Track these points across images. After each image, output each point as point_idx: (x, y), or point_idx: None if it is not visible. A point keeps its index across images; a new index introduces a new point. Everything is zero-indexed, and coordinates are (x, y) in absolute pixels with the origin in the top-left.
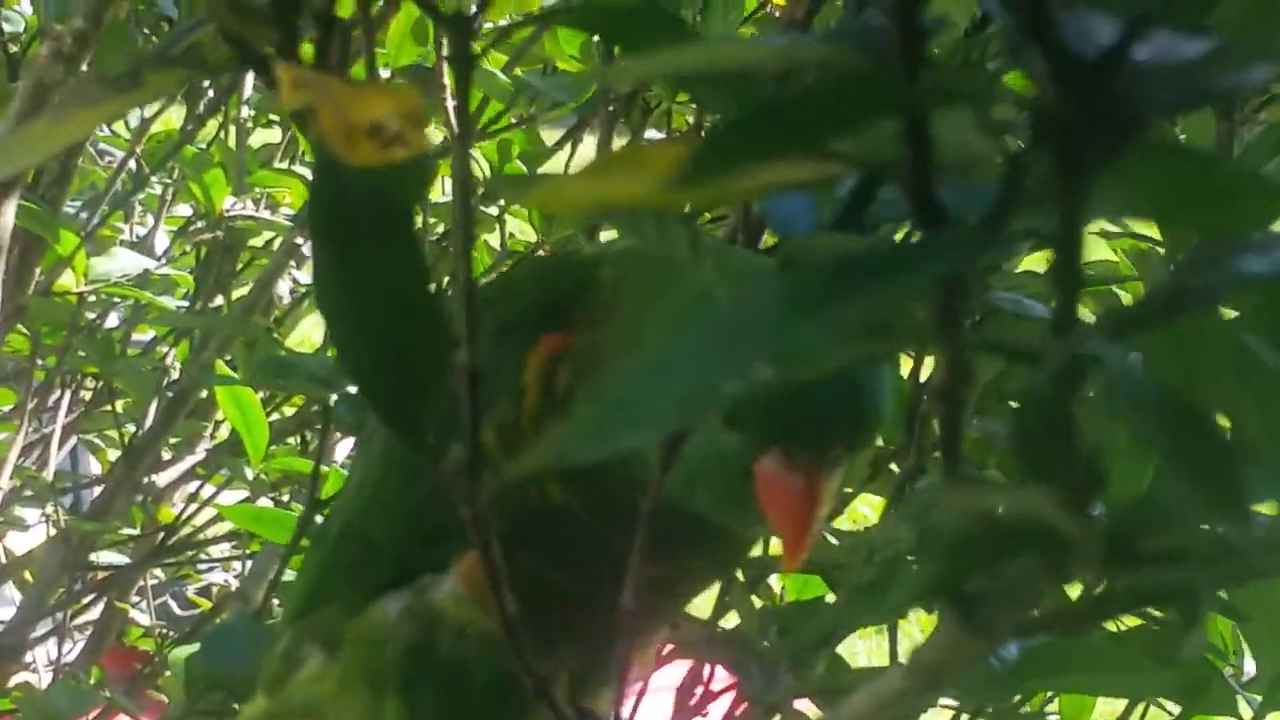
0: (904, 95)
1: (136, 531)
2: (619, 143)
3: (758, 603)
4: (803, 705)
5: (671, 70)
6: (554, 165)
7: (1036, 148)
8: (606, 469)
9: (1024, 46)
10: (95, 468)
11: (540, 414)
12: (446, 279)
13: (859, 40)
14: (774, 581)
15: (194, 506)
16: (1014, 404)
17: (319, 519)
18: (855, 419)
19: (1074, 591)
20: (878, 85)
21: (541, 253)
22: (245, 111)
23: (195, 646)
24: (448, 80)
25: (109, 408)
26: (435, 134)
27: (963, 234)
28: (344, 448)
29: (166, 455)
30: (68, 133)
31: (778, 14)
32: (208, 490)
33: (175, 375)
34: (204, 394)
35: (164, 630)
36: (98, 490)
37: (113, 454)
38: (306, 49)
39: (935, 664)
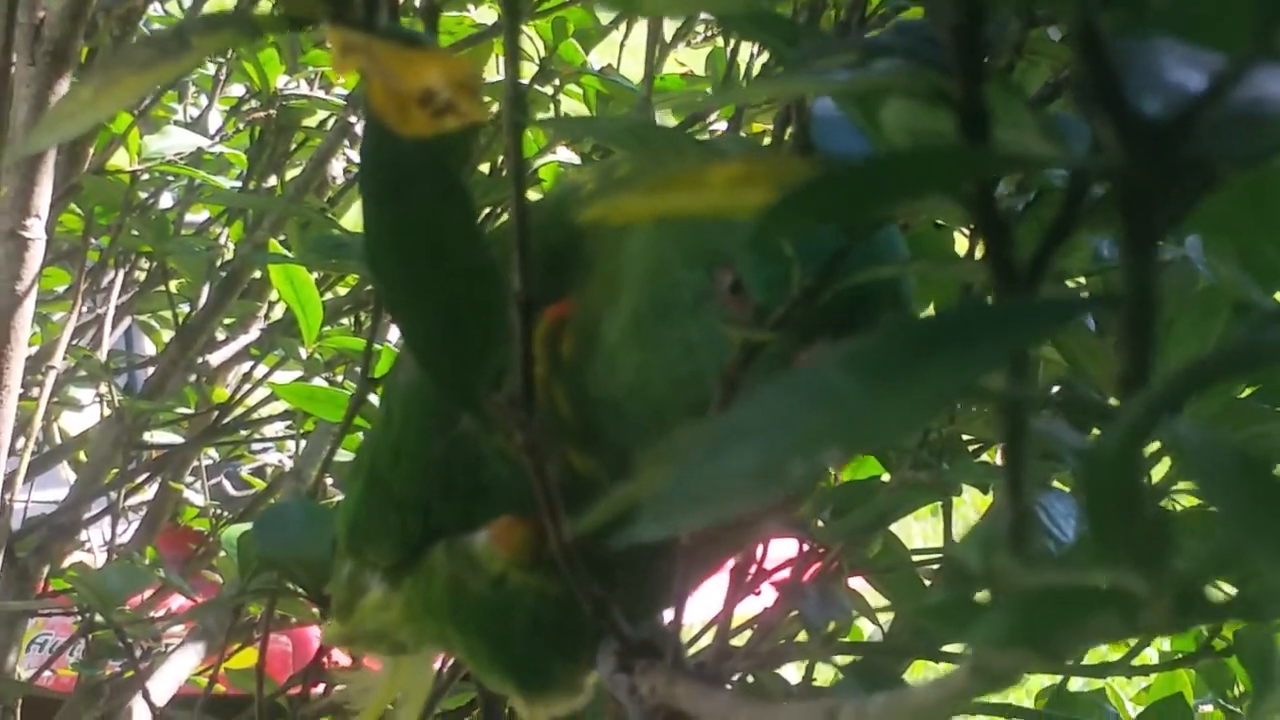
0: (972, 165)
1: (190, 411)
2: (670, 25)
3: None
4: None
5: (786, 95)
6: (609, 44)
7: (1107, 205)
8: (626, 433)
9: (1092, 106)
10: (149, 348)
11: (549, 381)
12: (501, 158)
13: (922, 54)
14: None
15: (248, 386)
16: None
17: (372, 398)
18: (892, 303)
19: None
20: (949, 155)
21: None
22: None
23: (249, 526)
24: None
25: (163, 288)
26: (489, 14)
27: (1041, 303)
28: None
29: (220, 335)
30: (116, 98)
31: None
32: (261, 370)
33: (229, 255)
34: (257, 274)
35: (218, 510)
36: (151, 370)
37: (167, 334)
38: None
39: (1001, 669)
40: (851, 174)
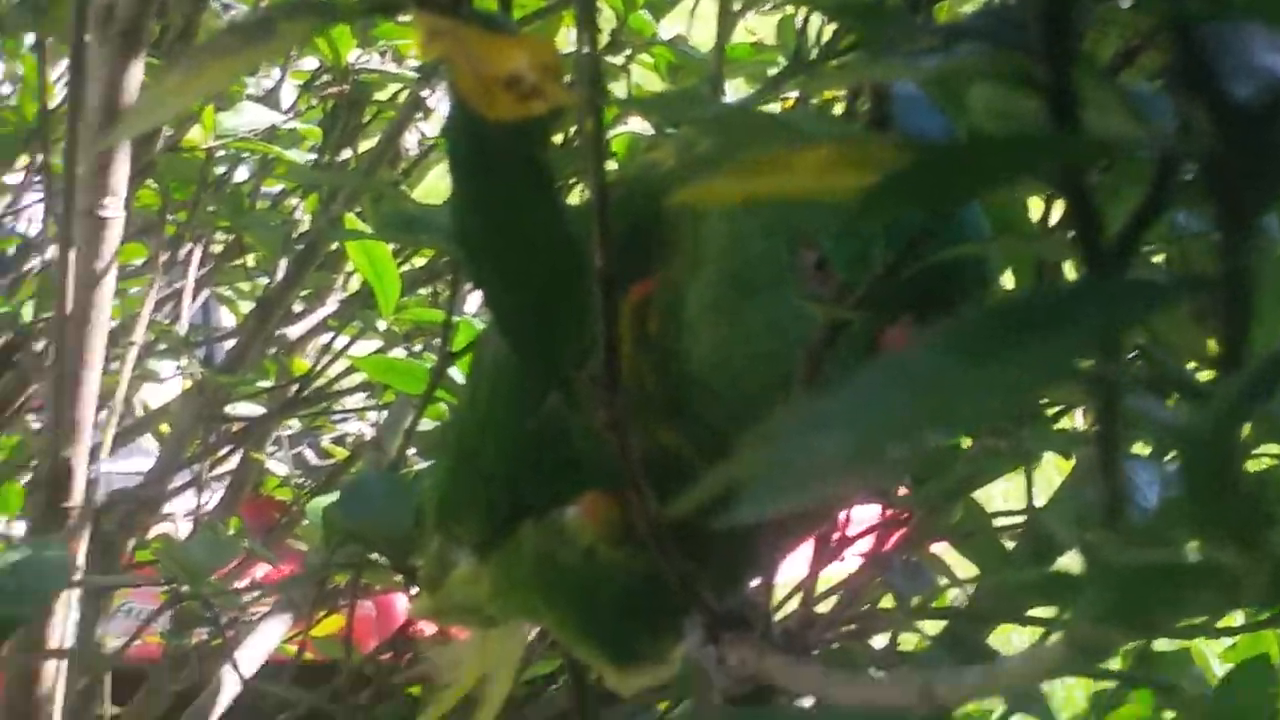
0: (1065, 151)
1: (270, 383)
2: None
3: None
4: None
5: (868, 79)
6: (680, 11)
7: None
8: (712, 408)
9: (1184, 92)
10: (228, 320)
11: (635, 357)
12: (574, 129)
13: (1007, 38)
14: None
15: (327, 358)
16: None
17: (452, 371)
18: (976, 279)
19: None
20: (1042, 142)
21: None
22: None
23: (332, 496)
24: None
25: (240, 261)
26: None
27: (1136, 284)
28: (475, 298)
29: (298, 308)
30: (201, 85)
31: None
32: (340, 342)
33: (304, 228)
34: (334, 246)
35: (300, 480)
36: (231, 343)
37: (245, 307)
38: None
39: (1097, 642)
40: (945, 160)
